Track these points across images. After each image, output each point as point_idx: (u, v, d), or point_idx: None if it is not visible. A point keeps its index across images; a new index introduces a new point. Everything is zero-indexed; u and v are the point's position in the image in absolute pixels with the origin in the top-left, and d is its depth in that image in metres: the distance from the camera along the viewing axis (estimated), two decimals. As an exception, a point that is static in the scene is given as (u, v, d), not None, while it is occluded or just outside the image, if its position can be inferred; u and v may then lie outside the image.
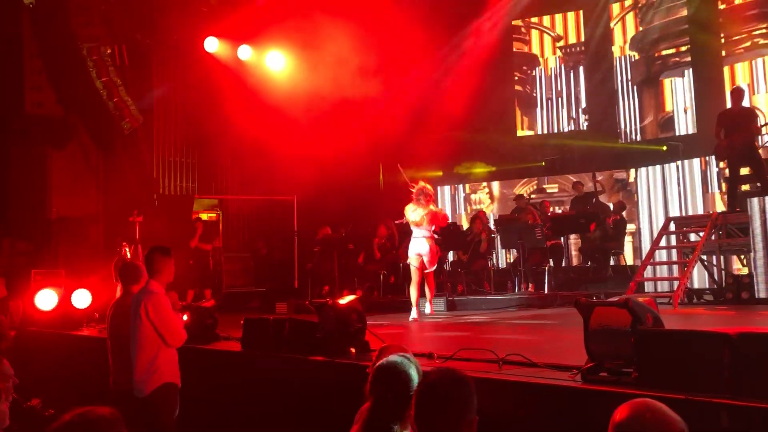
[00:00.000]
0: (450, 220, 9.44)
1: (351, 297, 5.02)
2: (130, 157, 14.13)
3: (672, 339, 2.90)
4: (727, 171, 9.99)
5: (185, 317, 5.95)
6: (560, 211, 14.35)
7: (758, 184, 9.49)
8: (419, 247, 8.43)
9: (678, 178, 13.37)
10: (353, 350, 4.74)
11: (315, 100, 12.21)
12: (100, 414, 1.92)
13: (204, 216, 14.01)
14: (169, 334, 4.75)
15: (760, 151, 9.84)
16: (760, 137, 10.24)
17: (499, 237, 11.72)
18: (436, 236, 8.94)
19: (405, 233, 9.79)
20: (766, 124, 9.73)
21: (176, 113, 14.71)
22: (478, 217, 12.17)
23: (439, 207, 9.09)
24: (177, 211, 13.58)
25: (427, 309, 8.76)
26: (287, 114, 12.68)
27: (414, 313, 8.38)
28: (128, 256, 9.34)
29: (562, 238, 12.33)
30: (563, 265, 12.34)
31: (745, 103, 10.09)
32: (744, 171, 9.68)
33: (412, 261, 8.49)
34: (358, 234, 12.54)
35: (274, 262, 13.56)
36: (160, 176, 14.46)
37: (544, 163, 14.73)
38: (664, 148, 13.19)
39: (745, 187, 9.84)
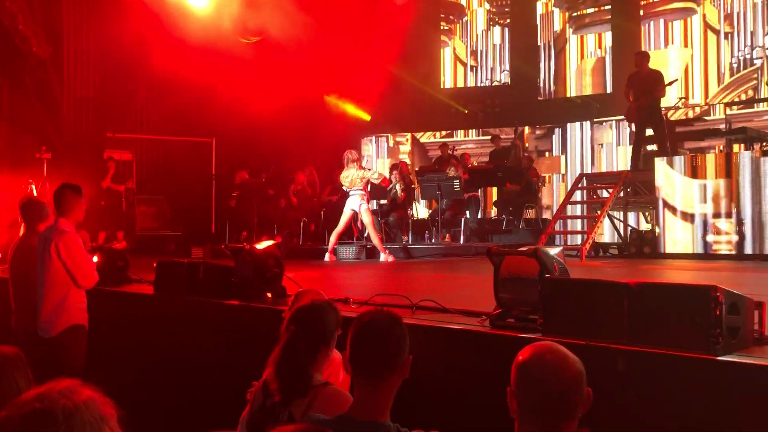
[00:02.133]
0: (386, 180, 9.75)
1: (269, 242, 4.97)
2: (38, 90, 13.33)
3: (576, 288, 3.00)
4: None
5: (95, 258, 5.75)
6: (479, 164, 14.62)
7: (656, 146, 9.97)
8: (352, 203, 9.15)
9: (592, 137, 13.83)
10: (269, 295, 4.73)
11: (238, 39, 11.83)
12: (3, 353, 1.84)
13: (117, 156, 13.46)
14: (80, 275, 4.59)
15: (671, 113, 10.29)
16: (674, 100, 10.73)
17: (419, 188, 11.85)
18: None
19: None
20: (670, 83, 10.14)
21: (88, 46, 13.92)
22: (397, 167, 12.24)
23: (369, 168, 9.65)
24: (88, 149, 13.01)
25: (382, 257, 9.05)
26: (208, 52, 12.24)
27: (327, 257, 9.20)
28: (35, 194, 8.89)
29: (479, 191, 12.59)
30: (479, 216, 12.62)
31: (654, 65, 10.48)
32: (649, 132, 10.12)
33: (345, 213, 9.27)
34: (279, 179, 12.40)
35: (191, 206, 13.27)
36: (71, 112, 13.74)
37: (466, 111, 14.88)
38: (579, 100, 13.58)
39: (651, 147, 10.29)
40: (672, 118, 11.56)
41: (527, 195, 12.17)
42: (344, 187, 9.35)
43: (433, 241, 11.25)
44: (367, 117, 15.27)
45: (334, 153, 14.16)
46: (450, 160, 12.63)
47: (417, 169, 14.51)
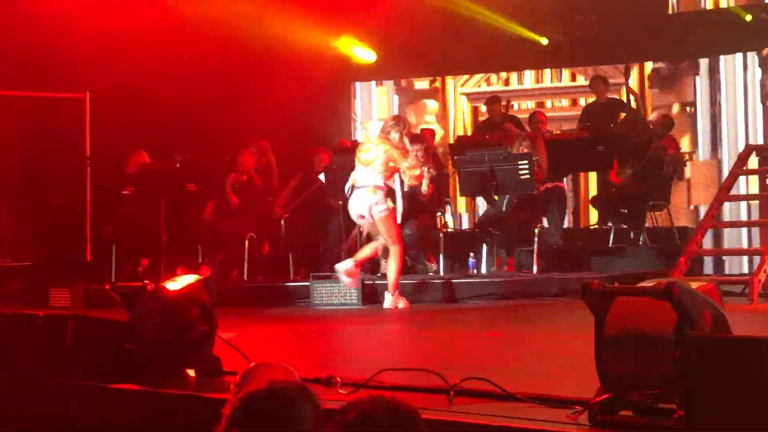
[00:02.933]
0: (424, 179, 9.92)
1: (190, 278, 5.01)
2: None
3: (744, 353, 3.02)
4: None
5: None
6: (563, 132, 14.67)
7: None
8: (358, 205, 9.55)
9: (765, 81, 13.83)
10: (192, 373, 4.75)
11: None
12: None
13: None
14: None
15: None
16: None
17: (457, 175, 11.86)
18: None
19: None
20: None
21: None
22: (418, 140, 12.26)
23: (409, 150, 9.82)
24: None
25: (387, 301, 9.58)
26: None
27: (399, 303, 9.54)
28: None
29: (565, 180, 12.61)
30: (566, 225, 12.65)
31: None
32: None
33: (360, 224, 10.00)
34: (207, 166, 12.45)
35: (50, 213, 13.28)
36: None
37: (545, 40, 14.93)
38: (749, 17, 13.58)
39: None
40: None
41: (655, 187, 12.18)
42: (356, 169, 9.64)
43: (484, 270, 11.29)
44: (368, 56, 15.33)
45: (305, 118, 14.28)
46: (505, 124, 12.67)
47: (452, 142, 14.54)
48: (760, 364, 2.97)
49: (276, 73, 13.86)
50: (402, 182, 9.82)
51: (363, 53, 15.25)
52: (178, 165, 12.22)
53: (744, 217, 10.92)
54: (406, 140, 9.69)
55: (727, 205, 10.82)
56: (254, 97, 13.85)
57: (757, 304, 8.62)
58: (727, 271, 11.57)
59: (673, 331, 3.20)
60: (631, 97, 14.28)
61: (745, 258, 10.64)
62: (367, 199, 9.46)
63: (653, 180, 12.14)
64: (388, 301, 9.45)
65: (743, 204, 10.95)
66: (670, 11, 14.99)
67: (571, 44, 15.11)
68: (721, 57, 14.13)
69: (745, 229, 10.97)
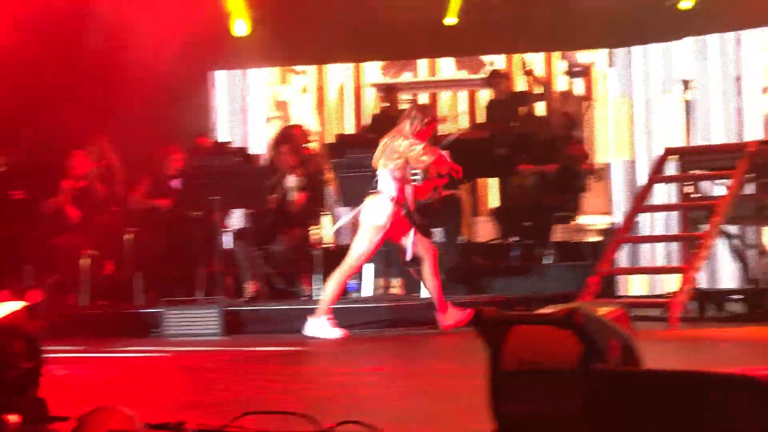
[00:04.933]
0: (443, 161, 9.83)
1: (13, 305, 4.92)
2: None
3: (656, 388, 3.06)
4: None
5: None
6: (459, 132, 14.76)
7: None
8: (372, 211, 9.55)
9: (696, 66, 14.04)
10: (14, 419, 4.65)
11: None
12: None
13: None
14: None
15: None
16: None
17: (337, 180, 11.93)
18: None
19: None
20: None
21: None
22: (287, 139, 12.25)
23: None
24: None
25: (313, 327, 9.53)
26: None
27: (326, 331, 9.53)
28: None
29: (460, 186, 12.68)
30: (461, 239, 12.74)
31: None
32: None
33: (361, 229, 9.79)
34: (35, 168, 12.25)
35: None
36: None
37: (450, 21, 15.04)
38: (684, 4, 13.91)
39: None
40: None
41: (564, 194, 12.33)
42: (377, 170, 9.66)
43: (367, 293, 11.36)
44: (243, 25, 15.17)
45: (157, 111, 14.03)
46: (401, 121, 12.72)
47: (332, 141, 14.48)
48: (672, 399, 3.02)
49: (120, 58, 13.65)
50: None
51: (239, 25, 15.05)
52: (3, 167, 11.96)
53: (658, 229, 11.11)
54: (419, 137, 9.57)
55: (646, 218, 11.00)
56: (96, 86, 13.63)
57: (678, 329, 8.79)
58: (650, 291, 11.78)
59: (578, 364, 3.23)
60: (547, 85, 14.37)
61: (664, 278, 10.84)
62: (366, 205, 9.57)
63: (566, 187, 12.29)
64: (313, 326, 9.50)
65: (661, 217, 11.12)
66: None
67: (471, 30, 15.22)
68: (637, 47, 14.39)
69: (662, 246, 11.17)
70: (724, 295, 10.67)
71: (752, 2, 11.64)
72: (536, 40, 14.73)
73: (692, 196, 10.66)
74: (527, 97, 13.91)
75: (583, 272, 10.51)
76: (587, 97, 15.27)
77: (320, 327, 9.47)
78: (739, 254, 10.79)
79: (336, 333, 9.46)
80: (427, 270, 9.54)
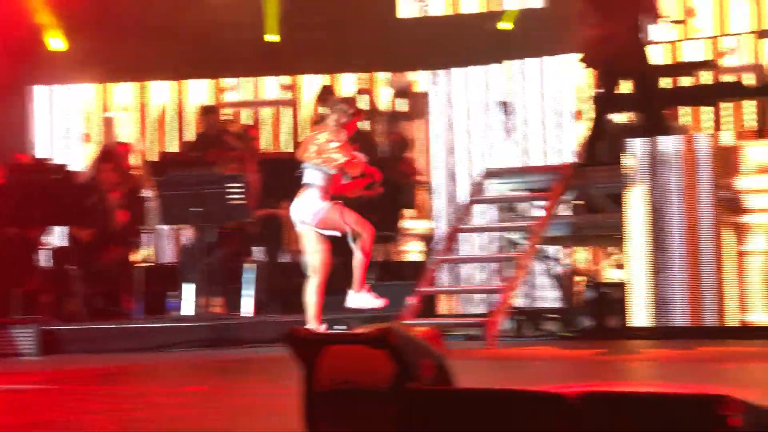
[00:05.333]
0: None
1: None
2: None
3: (467, 407, 3.11)
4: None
5: None
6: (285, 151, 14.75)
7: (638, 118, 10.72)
8: (297, 209, 9.40)
9: (516, 89, 14.26)
10: None
11: None
12: None
13: None
14: None
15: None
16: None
17: (159, 198, 11.83)
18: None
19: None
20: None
21: None
22: (109, 156, 12.10)
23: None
24: None
25: (353, 299, 9.48)
26: None
27: (369, 301, 9.51)
28: None
29: (282, 204, 12.70)
30: (281, 259, 12.72)
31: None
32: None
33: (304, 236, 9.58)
34: None
35: None
36: None
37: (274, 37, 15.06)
38: (510, 24, 14.16)
39: (621, 118, 10.93)
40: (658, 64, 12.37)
41: (386, 217, 12.43)
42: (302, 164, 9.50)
43: (188, 312, 11.26)
44: (59, 40, 14.92)
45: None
46: (222, 137, 12.65)
47: (155, 159, 14.35)
48: (481, 417, 3.07)
49: None
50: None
51: (54, 40, 14.80)
52: None
53: (477, 249, 11.26)
54: (344, 131, 9.49)
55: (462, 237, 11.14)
56: None
57: (495, 348, 8.92)
58: (465, 311, 11.91)
59: (391, 383, 3.26)
60: (375, 104, 14.45)
61: (479, 297, 11.00)
62: (299, 202, 9.36)
63: (384, 209, 12.37)
64: (353, 298, 9.44)
65: (477, 238, 11.28)
66: (400, 17, 15.44)
67: (295, 48, 15.26)
68: (458, 68, 14.59)
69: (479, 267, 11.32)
70: (540, 314, 10.86)
71: (565, 28, 11.90)
72: (358, 60, 14.85)
73: (510, 216, 10.85)
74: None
75: (404, 292, 10.57)
76: (411, 116, 15.41)
77: (360, 298, 9.48)
78: (554, 274, 11.03)
79: (378, 302, 9.48)
80: (359, 247, 9.53)
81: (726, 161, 9.59)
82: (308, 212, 9.29)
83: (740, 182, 9.52)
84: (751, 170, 9.55)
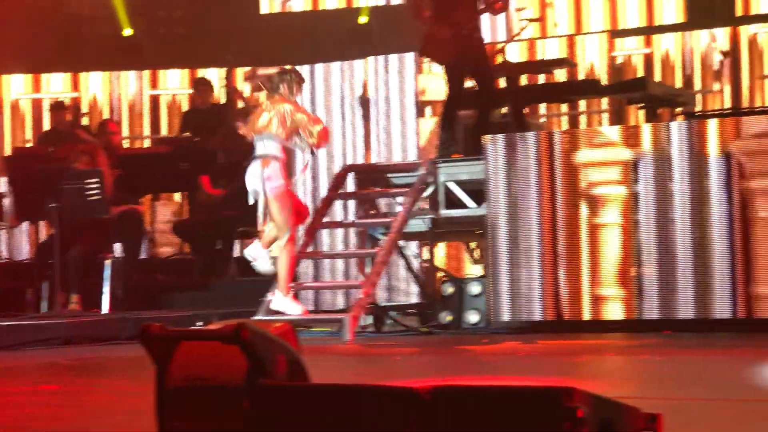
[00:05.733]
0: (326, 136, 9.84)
1: None
2: None
3: (319, 402, 3.15)
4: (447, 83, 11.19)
5: None
6: (145, 147, 14.68)
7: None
8: (251, 179, 9.57)
9: (376, 85, 14.31)
10: None
11: None
12: None
13: None
14: None
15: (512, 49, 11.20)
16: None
17: (14, 194, 11.57)
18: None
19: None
20: None
21: None
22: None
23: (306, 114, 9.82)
24: None
25: (277, 302, 9.44)
26: None
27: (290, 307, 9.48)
28: None
29: (141, 200, 12.60)
30: (143, 255, 12.63)
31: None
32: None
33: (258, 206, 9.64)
34: None
35: None
36: None
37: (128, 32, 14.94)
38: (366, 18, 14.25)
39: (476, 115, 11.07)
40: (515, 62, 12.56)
41: (247, 212, 12.41)
42: (255, 140, 9.61)
43: (44, 309, 11.12)
44: None
45: None
46: (73, 132, 12.49)
47: (10, 154, 14.13)
48: (334, 412, 3.10)
49: None
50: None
51: None
52: None
53: (340, 246, 11.36)
54: (299, 96, 9.64)
55: (323, 234, 11.21)
56: None
57: (355, 343, 8.97)
58: (326, 306, 11.95)
59: (243, 379, 3.27)
60: (240, 103, 14.41)
61: (341, 294, 11.08)
62: (258, 172, 9.39)
63: (245, 203, 12.36)
64: (279, 302, 9.35)
65: (339, 233, 11.37)
66: (264, 12, 15.47)
67: (154, 43, 15.18)
68: (320, 64, 14.64)
69: (342, 263, 11.40)
70: (400, 309, 10.95)
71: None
72: (220, 55, 14.81)
73: (371, 212, 10.92)
74: (227, 111, 13.88)
75: (264, 288, 10.57)
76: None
77: (284, 303, 9.40)
78: (414, 270, 11.13)
79: (298, 309, 9.51)
80: (283, 246, 9.52)
81: (580, 157, 9.75)
82: (266, 185, 9.40)
83: (592, 176, 9.68)
84: (601, 164, 9.71)
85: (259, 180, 9.41)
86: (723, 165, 9.13)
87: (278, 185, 9.41)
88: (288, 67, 10.04)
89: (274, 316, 9.17)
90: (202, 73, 15.21)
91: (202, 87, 13.92)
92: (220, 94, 14.39)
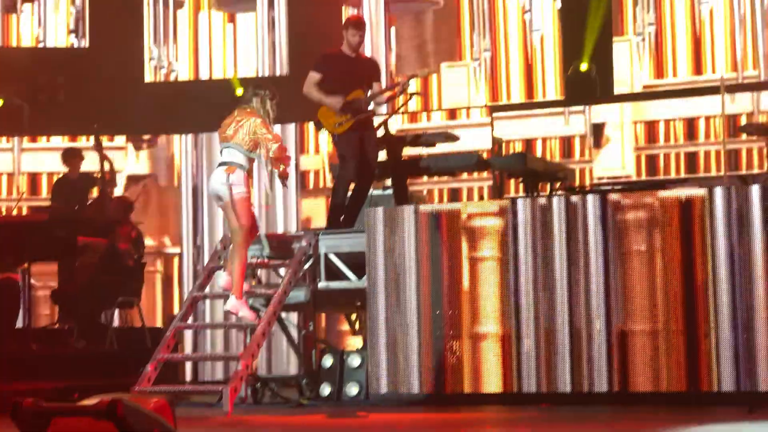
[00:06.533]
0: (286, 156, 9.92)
1: None
2: None
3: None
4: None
5: None
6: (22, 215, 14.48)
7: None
8: (213, 185, 9.84)
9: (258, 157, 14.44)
10: None
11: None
12: None
13: None
14: None
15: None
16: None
17: None
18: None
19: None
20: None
21: None
22: None
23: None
24: None
25: (231, 303, 9.73)
26: None
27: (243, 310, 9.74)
28: None
29: (21, 271, 12.43)
30: (23, 324, 12.51)
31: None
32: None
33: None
34: None
35: None
36: None
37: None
38: (238, 91, 14.35)
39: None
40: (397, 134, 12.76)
41: (124, 282, 12.33)
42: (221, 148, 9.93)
43: None
44: None
45: None
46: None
47: None
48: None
49: None
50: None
51: None
52: None
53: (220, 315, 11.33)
54: (270, 110, 9.76)
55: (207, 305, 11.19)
56: None
57: (233, 415, 8.93)
58: (208, 377, 11.89)
59: (118, 455, 3.27)
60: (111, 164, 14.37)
61: (220, 366, 11.03)
62: (223, 178, 9.62)
63: (122, 273, 12.28)
64: (233, 304, 9.54)
65: (219, 303, 11.34)
66: (149, 81, 15.48)
67: (32, 109, 15.05)
68: (204, 134, 14.70)
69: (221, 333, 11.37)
70: (280, 381, 10.92)
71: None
72: (100, 123, 14.76)
73: (252, 283, 10.92)
74: (94, 179, 13.81)
75: (144, 359, 10.47)
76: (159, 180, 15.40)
77: (237, 305, 9.61)
78: (294, 341, 11.13)
79: (250, 314, 9.70)
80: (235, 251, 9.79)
81: (459, 230, 9.86)
82: (228, 191, 9.63)
83: (472, 248, 9.80)
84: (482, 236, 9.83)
85: (224, 186, 9.65)
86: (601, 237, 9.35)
87: (242, 191, 9.67)
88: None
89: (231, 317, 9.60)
90: (79, 140, 15.19)
91: (70, 158, 13.82)
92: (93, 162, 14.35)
